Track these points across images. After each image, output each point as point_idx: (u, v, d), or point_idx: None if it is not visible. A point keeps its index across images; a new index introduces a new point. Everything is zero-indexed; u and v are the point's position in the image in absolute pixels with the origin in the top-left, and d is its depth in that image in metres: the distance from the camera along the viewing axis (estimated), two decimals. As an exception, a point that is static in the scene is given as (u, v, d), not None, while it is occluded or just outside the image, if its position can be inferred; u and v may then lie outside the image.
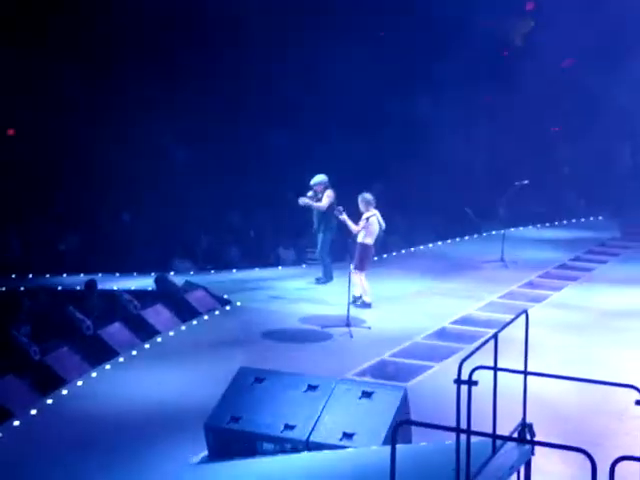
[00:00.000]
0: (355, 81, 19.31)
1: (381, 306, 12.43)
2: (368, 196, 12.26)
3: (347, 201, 12.78)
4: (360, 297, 12.33)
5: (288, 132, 20.01)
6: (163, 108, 18.15)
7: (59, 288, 13.86)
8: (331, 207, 12.94)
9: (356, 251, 12.20)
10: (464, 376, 5.78)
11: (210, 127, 19.00)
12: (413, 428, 7.28)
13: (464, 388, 5.75)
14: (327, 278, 13.47)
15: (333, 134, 19.41)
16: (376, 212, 12.25)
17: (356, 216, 12.34)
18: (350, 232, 12.26)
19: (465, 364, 5.82)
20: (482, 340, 6.47)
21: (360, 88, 19.51)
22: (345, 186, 17.25)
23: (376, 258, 13.59)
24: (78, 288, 13.63)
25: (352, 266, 12.12)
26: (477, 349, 6.00)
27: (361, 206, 12.22)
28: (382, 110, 20.09)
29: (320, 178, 13.25)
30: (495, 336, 6.32)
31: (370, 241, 12.21)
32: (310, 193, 13.23)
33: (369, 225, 12.12)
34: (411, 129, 20.18)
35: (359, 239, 12.18)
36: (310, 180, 13.29)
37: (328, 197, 13.06)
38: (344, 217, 12.21)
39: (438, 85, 19.71)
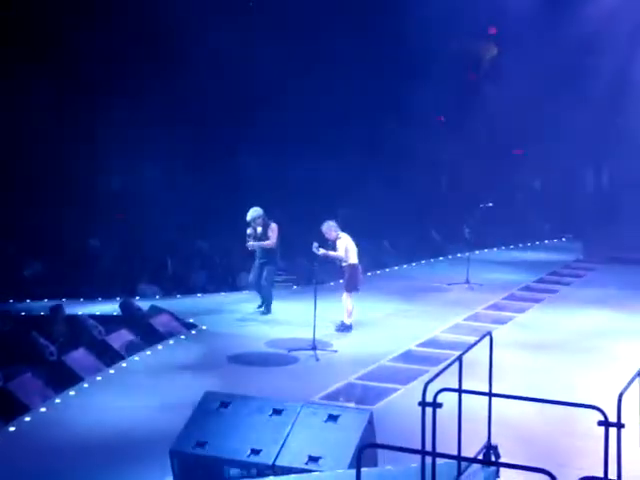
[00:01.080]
0: (320, 104, 19.41)
1: (332, 329, 12.43)
2: (332, 222, 12.34)
3: (313, 225, 12.81)
4: (351, 325, 12.43)
5: (256, 156, 20.05)
6: (131, 132, 18.10)
7: (22, 314, 13.70)
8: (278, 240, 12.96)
9: (345, 275, 12.32)
10: (429, 398, 5.80)
11: (178, 151, 18.99)
12: (379, 451, 7.28)
13: (429, 410, 5.77)
14: (267, 310, 13.32)
15: (300, 158, 19.48)
16: (345, 234, 12.32)
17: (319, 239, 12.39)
18: (335, 260, 12.34)
19: (430, 386, 5.85)
20: (447, 362, 6.51)
21: (325, 111, 19.61)
22: (313, 209, 17.30)
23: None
24: (42, 314, 13.51)
25: (345, 293, 12.34)
26: (442, 371, 6.03)
27: (330, 233, 12.27)
28: (347, 133, 20.21)
29: (257, 212, 12.96)
30: (459, 358, 6.36)
31: (354, 260, 12.29)
32: (249, 230, 12.98)
33: (346, 246, 12.18)
34: (376, 151, 20.31)
35: (343, 263, 12.26)
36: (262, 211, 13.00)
37: (274, 232, 12.98)
38: (323, 251, 12.14)
39: (404, 107, 19.88)
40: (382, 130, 20.38)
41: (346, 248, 12.27)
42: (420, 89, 19.34)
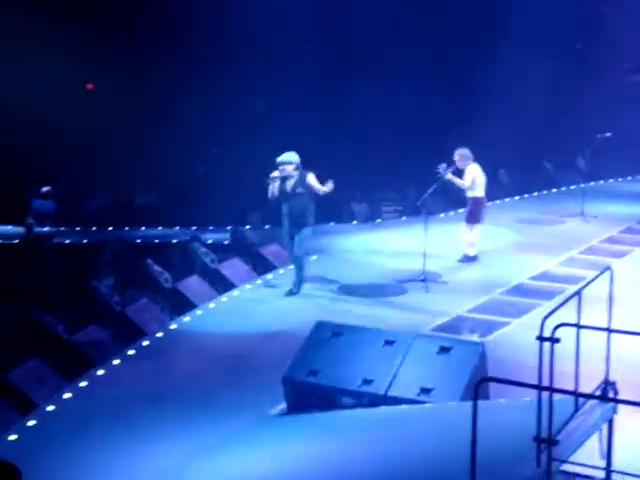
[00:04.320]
0: (432, 33, 18.95)
1: (456, 261, 12.29)
2: (466, 151, 12.09)
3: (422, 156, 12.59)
4: (475, 256, 12.23)
5: (367, 84, 19.78)
6: (242, 62, 18.13)
7: (138, 241, 14.08)
8: (314, 195, 10.91)
9: (467, 206, 12.19)
10: (546, 333, 5.68)
11: (285, 83, 18.92)
12: (490, 384, 7.21)
13: (546, 345, 5.65)
14: (300, 285, 11.03)
15: (411, 86, 19.13)
16: (476, 165, 12.10)
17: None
18: (460, 189, 12.15)
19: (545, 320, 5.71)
20: (563, 296, 6.35)
21: (437, 39, 19.14)
22: (420, 140, 17.03)
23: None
24: (156, 241, 13.87)
25: (464, 223, 12.19)
26: (560, 305, 5.88)
27: (461, 161, 12.04)
28: (460, 61, 19.70)
29: (291, 157, 10.80)
30: (579, 292, 6.19)
31: (480, 193, 12.11)
32: (275, 173, 10.79)
33: (474, 177, 12.00)
34: (489, 80, 19.74)
35: (469, 194, 12.10)
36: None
37: (314, 181, 10.82)
38: (449, 176, 11.90)
39: (519, 34, 19.21)
40: (495, 58, 19.75)
41: (473, 179, 12.02)
42: (535, 13, 18.62)
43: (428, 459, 5.99)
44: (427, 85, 19.06)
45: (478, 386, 5.05)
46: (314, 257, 12.75)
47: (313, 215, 11.02)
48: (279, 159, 10.85)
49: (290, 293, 11.02)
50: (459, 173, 12.07)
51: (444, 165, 11.84)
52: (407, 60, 19.06)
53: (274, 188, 10.81)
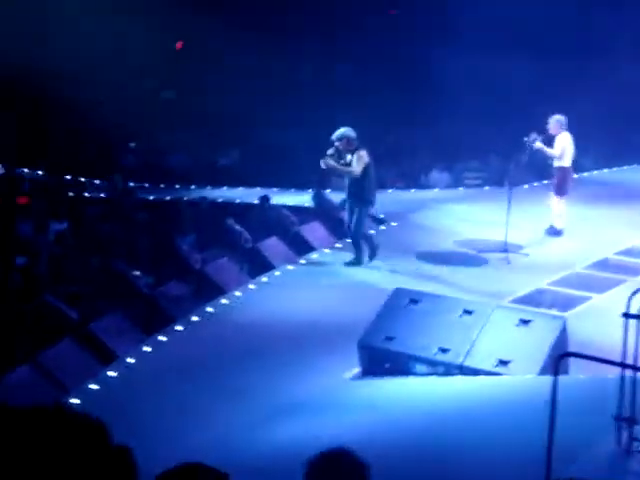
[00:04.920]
0: (513, 2, 18.43)
1: (542, 233, 12.06)
2: (561, 117, 11.78)
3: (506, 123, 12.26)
4: (562, 230, 11.95)
5: (450, 52, 19.43)
6: (326, 29, 18.01)
7: (219, 200, 14.18)
8: (366, 172, 10.70)
9: (555, 177, 11.93)
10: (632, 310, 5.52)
11: (373, 44, 18.72)
12: (569, 359, 7.07)
13: (631, 322, 5.49)
14: (357, 261, 10.93)
15: (493, 56, 18.69)
16: (568, 134, 11.81)
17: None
18: (547, 158, 11.89)
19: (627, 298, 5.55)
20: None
21: (520, 9, 18.60)
22: (504, 109, 16.64)
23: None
24: (237, 201, 13.95)
25: (552, 193, 11.91)
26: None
27: (553, 128, 11.76)
28: (550, 27, 19.13)
29: (342, 133, 10.75)
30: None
31: (567, 163, 11.83)
32: (330, 150, 10.78)
33: (564, 146, 11.73)
34: (575, 49, 19.16)
35: (556, 164, 11.84)
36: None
37: (361, 159, 10.67)
38: (539, 145, 11.63)
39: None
40: (591, 24, 19.09)
41: (563, 148, 11.73)
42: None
43: (504, 432, 5.92)
44: (509, 55, 18.60)
45: (559, 361, 4.94)
46: (394, 223, 12.67)
47: (368, 190, 10.80)
48: (333, 136, 10.82)
49: (369, 259, 10.96)
50: (549, 141, 11.77)
51: (534, 134, 11.55)
52: (492, 29, 18.62)
53: (330, 159, 10.77)
